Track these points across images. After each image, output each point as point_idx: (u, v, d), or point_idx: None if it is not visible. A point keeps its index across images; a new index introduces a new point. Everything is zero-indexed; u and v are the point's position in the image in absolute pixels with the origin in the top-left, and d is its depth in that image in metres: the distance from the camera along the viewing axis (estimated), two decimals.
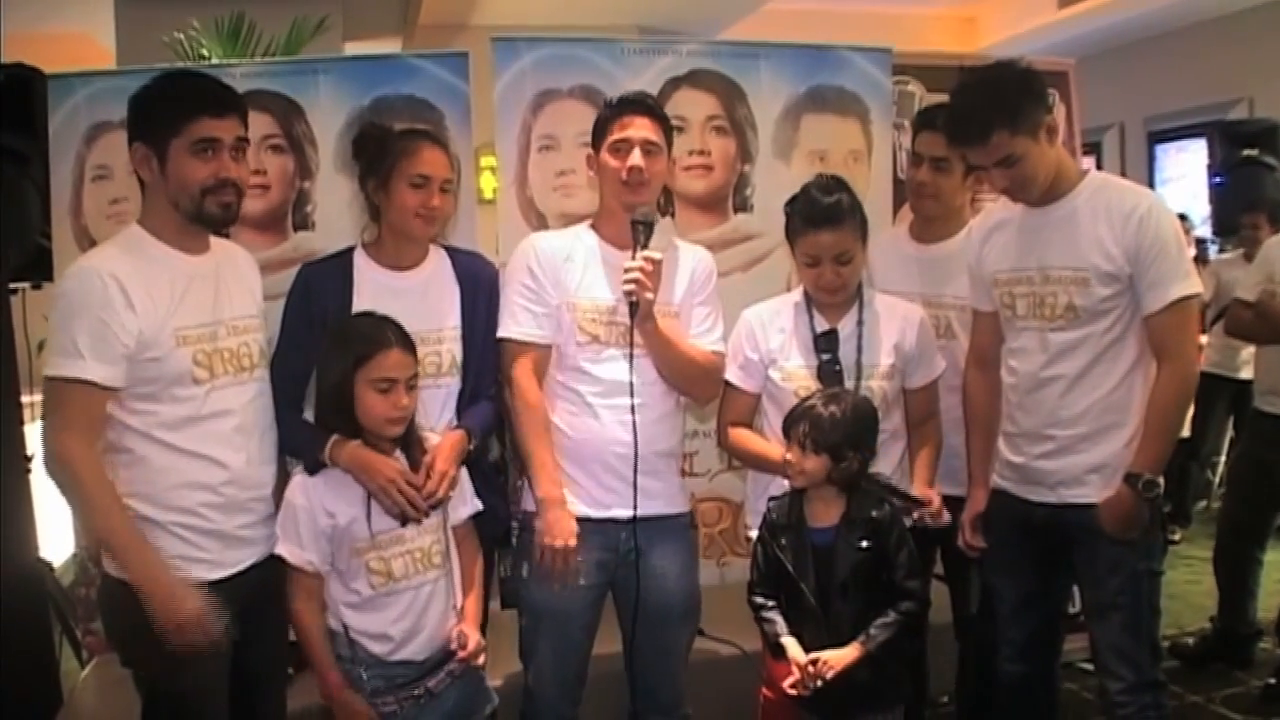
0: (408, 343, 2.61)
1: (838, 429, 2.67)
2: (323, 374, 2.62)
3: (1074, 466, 2.81)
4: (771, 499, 2.86)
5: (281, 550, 2.59)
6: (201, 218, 2.49)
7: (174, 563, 2.43)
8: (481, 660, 2.70)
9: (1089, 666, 3.17)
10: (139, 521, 2.42)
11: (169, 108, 2.44)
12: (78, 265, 2.48)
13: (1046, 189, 2.80)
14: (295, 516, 2.59)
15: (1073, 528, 2.82)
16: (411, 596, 2.61)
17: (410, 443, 2.65)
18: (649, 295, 2.69)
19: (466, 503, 2.79)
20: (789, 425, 2.75)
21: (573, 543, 2.74)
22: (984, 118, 2.70)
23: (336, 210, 3.50)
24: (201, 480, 2.47)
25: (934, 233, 3.37)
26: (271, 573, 2.63)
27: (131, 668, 2.60)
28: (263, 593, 2.60)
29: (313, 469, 2.61)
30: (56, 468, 2.35)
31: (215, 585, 2.47)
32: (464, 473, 2.77)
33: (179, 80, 2.56)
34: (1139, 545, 2.76)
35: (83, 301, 2.34)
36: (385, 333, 2.58)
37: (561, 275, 2.87)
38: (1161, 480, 2.76)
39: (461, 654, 2.63)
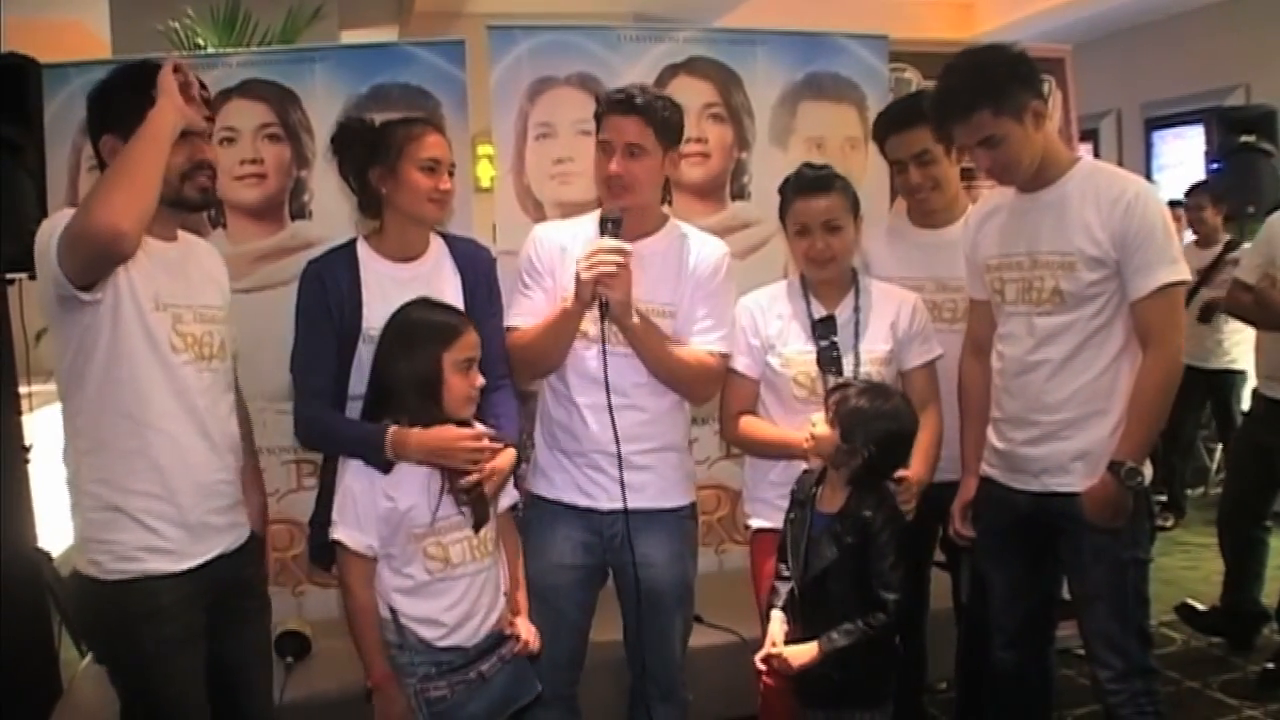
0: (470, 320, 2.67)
1: (860, 416, 2.64)
2: (403, 366, 2.59)
3: (1058, 454, 2.80)
4: (805, 472, 2.84)
5: (340, 535, 2.58)
6: (180, 202, 2.47)
7: (138, 555, 2.39)
8: (536, 647, 2.73)
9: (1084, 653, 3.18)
10: (103, 512, 2.39)
11: (138, 99, 2.38)
12: (51, 219, 2.44)
13: (1034, 174, 2.79)
14: (354, 501, 2.58)
15: (1057, 516, 2.82)
16: (467, 583, 2.62)
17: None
18: (615, 295, 2.67)
19: (507, 493, 2.81)
20: (830, 392, 2.75)
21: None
22: (968, 97, 2.70)
23: (333, 199, 3.49)
24: (166, 461, 2.43)
25: (938, 218, 3.37)
26: (244, 563, 2.63)
27: (106, 665, 2.58)
28: (235, 584, 2.58)
29: (385, 468, 2.58)
30: None
31: (183, 576, 2.44)
32: None
33: (142, 70, 2.49)
34: (1124, 533, 2.76)
35: (58, 220, 2.30)
36: (459, 314, 2.64)
37: (557, 267, 2.87)
38: (1148, 469, 2.76)
39: (519, 648, 2.68)
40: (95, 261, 2.27)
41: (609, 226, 2.72)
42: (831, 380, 2.87)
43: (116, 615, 2.40)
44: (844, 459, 2.67)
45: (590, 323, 2.82)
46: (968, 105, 2.70)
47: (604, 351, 2.79)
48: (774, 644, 2.69)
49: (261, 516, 2.79)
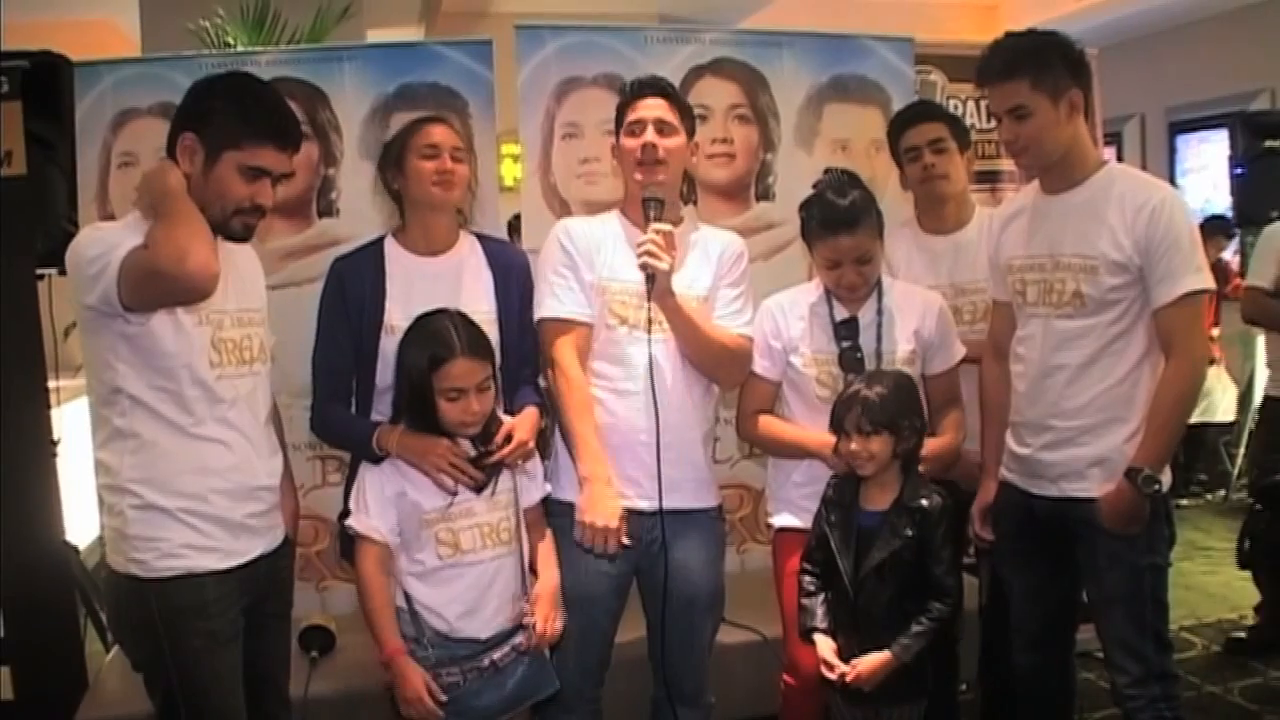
0: (478, 348, 2.64)
1: (889, 405, 2.69)
2: (403, 369, 2.66)
3: (1075, 459, 2.80)
4: (834, 477, 2.86)
5: (350, 521, 2.66)
6: (223, 230, 2.47)
7: (183, 552, 2.43)
8: (549, 636, 2.74)
9: None
10: (146, 510, 2.42)
11: (238, 120, 2.41)
12: (92, 226, 2.56)
13: (1059, 173, 2.81)
14: (364, 487, 2.66)
15: (1074, 522, 2.82)
16: (479, 571, 2.66)
17: (486, 432, 2.69)
18: (663, 266, 2.70)
19: (539, 486, 2.84)
20: (840, 416, 2.75)
21: (614, 524, 2.71)
22: (1010, 60, 2.74)
23: (360, 197, 3.52)
24: (210, 465, 2.47)
25: (946, 222, 3.44)
26: (278, 566, 2.66)
27: (142, 670, 2.59)
28: (269, 585, 2.63)
29: (375, 461, 2.67)
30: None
31: (226, 574, 2.48)
32: (536, 457, 2.83)
33: (256, 94, 2.51)
34: (1141, 539, 2.75)
35: (111, 238, 2.36)
36: (453, 339, 2.60)
37: (593, 257, 2.89)
38: (1166, 475, 2.75)
39: (527, 639, 2.69)
40: (175, 298, 2.35)
41: (652, 206, 2.79)
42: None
43: (163, 612, 2.41)
44: (905, 449, 2.72)
45: (630, 309, 2.86)
46: (1008, 69, 2.73)
47: (649, 331, 2.82)
48: (831, 665, 2.71)
49: (294, 518, 2.82)
